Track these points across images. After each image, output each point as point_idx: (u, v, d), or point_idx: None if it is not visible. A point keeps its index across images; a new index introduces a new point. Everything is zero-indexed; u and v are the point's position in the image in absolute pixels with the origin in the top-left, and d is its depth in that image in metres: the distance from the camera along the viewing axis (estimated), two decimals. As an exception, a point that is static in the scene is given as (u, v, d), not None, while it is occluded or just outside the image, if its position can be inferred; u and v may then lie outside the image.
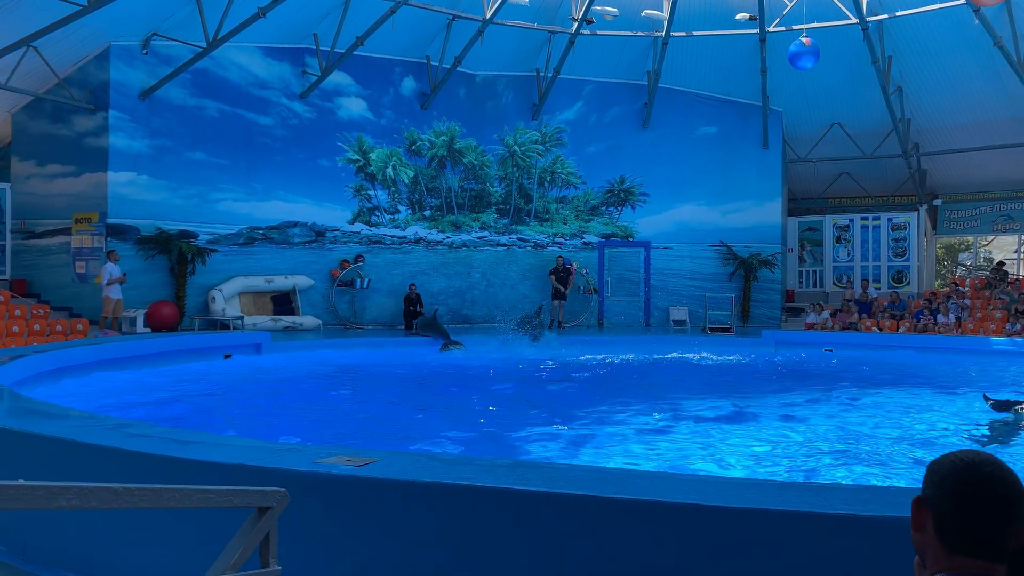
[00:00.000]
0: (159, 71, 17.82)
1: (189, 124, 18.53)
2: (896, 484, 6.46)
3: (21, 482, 1.59)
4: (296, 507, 3.00)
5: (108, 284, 15.92)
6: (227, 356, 14.22)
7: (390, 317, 20.62)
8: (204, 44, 17.10)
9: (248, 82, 19.30)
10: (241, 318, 17.83)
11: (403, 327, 19.70)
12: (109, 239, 17.33)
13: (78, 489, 1.70)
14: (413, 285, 20.00)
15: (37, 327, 15.26)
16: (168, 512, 3.24)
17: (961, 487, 1.47)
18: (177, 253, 17.86)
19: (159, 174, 18.10)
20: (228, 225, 19.11)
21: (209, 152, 18.79)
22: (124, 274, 16.22)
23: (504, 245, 22.57)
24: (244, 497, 2.32)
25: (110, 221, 17.43)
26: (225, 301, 18.23)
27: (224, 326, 17.44)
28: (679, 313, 21.61)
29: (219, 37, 16.91)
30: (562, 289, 20.62)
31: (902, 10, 19.14)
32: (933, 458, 1.59)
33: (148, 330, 16.86)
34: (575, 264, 21.70)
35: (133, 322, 16.75)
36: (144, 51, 17.65)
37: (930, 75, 20.73)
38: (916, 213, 23.48)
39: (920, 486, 1.57)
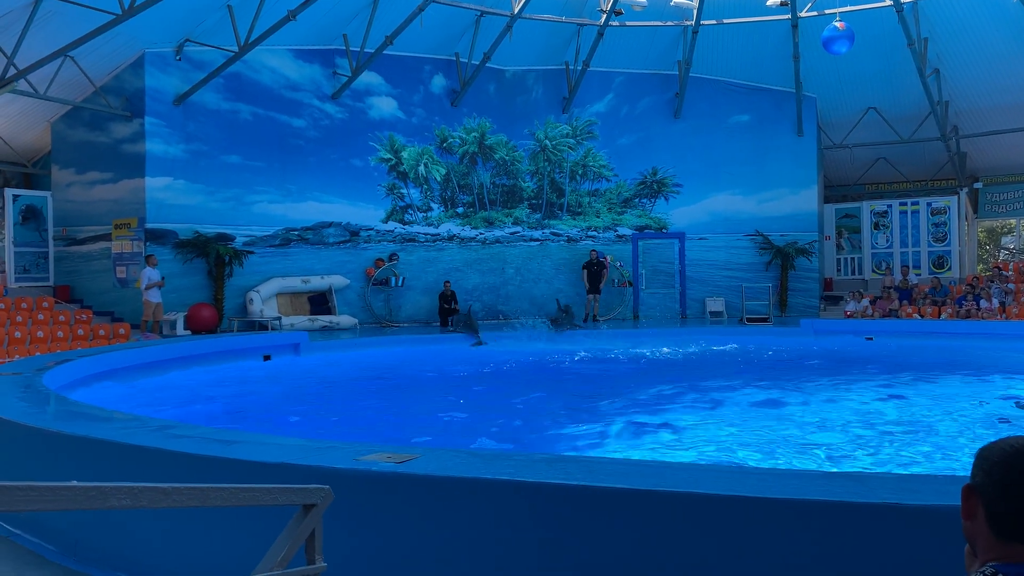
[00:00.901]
0: (193, 76, 18.06)
1: (223, 128, 18.76)
2: (941, 472, 6.36)
3: (74, 483, 1.62)
4: (338, 504, 3.03)
5: (147, 288, 16.19)
6: (266, 357, 14.38)
7: (425, 314, 20.72)
8: (236, 48, 17.29)
9: (280, 85, 19.49)
10: (279, 318, 18.03)
11: (438, 324, 19.81)
12: (148, 244, 17.61)
13: (128, 489, 1.73)
14: (448, 283, 20.09)
15: (81, 332, 15.57)
16: (214, 511, 3.29)
17: (1011, 474, 1.44)
18: (215, 256, 18.11)
19: (195, 178, 18.36)
20: (264, 227, 19.33)
21: (244, 155, 19.01)
22: (163, 278, 16.48)
23: (537, 240, 22.55)
24: (289, 495, 2.35)
25: (149, 226, 17.71)
26: (263, 302, 18.45)
27: (263, 327, 17.65)
28: (715, 304, 21.43)
29: (250, 41, 17.08)
30: (594, 284, 20.59)
31: (937, -10, 18.79)
32: (980, 445, 1.56)
33: (188, 332, 17.11)
34: (609, 257, 21.62)
35: (173, 325, 17.01)
36: (177, 57, 17.90)
37: (968, 56, 20.30)
38: (956, 197, 23.06)
39: (965, 474, 1.54)
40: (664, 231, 22.48)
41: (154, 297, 16.28)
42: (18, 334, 14.58)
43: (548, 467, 3.91)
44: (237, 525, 4.02)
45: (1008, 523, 1.43)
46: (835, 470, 6.39)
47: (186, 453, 4.49)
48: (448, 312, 19.45)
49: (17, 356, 13.26)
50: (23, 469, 5.71)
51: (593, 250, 21.22)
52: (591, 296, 20.64)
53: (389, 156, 21.00)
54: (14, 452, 5.84)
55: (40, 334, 14.91)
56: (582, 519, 3.51)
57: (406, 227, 21.28)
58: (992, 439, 1.55)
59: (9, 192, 18.73)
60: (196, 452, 4.47)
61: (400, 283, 20.44)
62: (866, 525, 3.08)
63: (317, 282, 19.66)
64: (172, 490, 1.84)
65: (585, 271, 20.85)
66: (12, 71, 15.16)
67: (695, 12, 19.98)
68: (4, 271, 18.31)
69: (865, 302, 19.97)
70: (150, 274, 16.31)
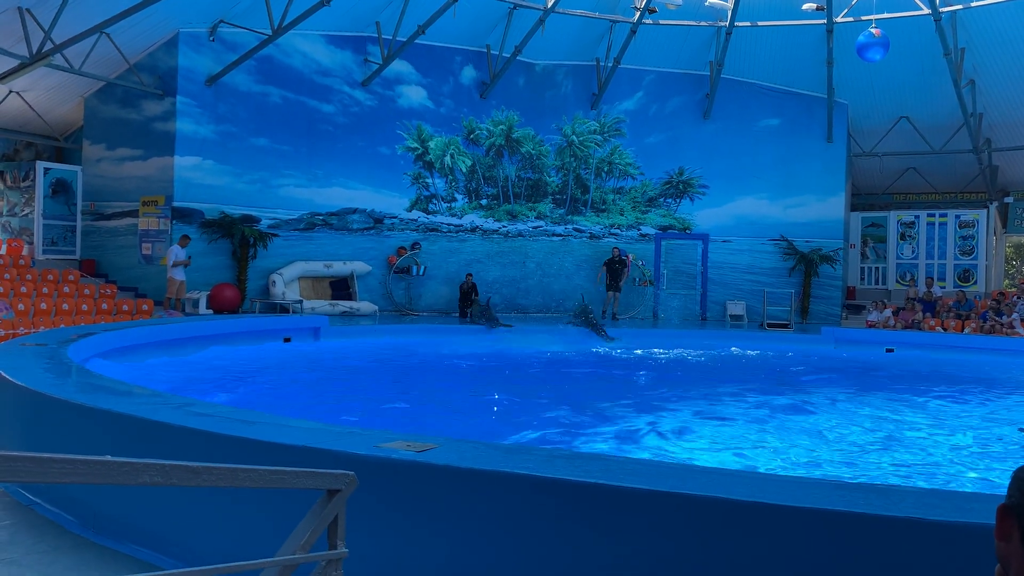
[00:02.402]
0: (225, 58, 18.17)
1: (253, 110, 18.87)
2: (960, 489, 6.30)
3: (108, 458, 1.64)
4: (357, 489, 3.04)
5: (173, 266, 16.34)
6: (287, 340, 14.47)
7: (445, 304, 20.76)
8: (269, 31, 17.36)
9: (311, 69, 19.56)
10: (300, 302, 18.13)
11: (457, 315, 19.82)
12: (174, 222, 17.75)
13: (160, 467, 1.75)
14: (470, 275, 20.11)
15: (105, 306, 15.73)
16: (236, 490, 3.31)
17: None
18: (240, 237, 18.23)
19: (224, 159, 18.48)
20: (289, 210, 19.43)
21: (272, 138, 19.11)
22: (189, 257, 16.63)
23: (560, 235, 22.52)
24: (315, 479, 2.37)
25: (176, 204, 17.85)
26: (285, 285, 18.55)
27: (284, 309, 17.76)
28: (736, 308, 21.33)
29: (284, 24, 17.15)
30: (615, 281, 20.52)
31: (977, 0, 18.54)
32: (995, 461, 1.54)
33: (210, 312, 17.24)
34: (631, 256, 21.55)
35: (196, 303, 17.15)
36: (211, 38, 18.00)
37: (1005, 68, 20.01)
38: (985, 210, 22.80)
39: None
40: (688, 232, 22.38)
41: (178, 275, 16.44)
42: (44, 305, 14.75)
43: (567, 464, 3.90)
44: (258, 505, 4.06)
45: (1044, 546, 1.41)
46: (849, 480, 6.35)
47: (208, 432, 4.52)
48: (468, 304, 19.47)
49: (42, 327, 13.42)
50: (44, 439, 5.78)
51: (615, 247, 21.16)
52: (610, 293, 20.58)
53: (416, 145, 21.03)
54: (36, 421, 5.91)
55: (65, 306, 15.07)
56: (599, 518, 3.50)
57: (430, 217, 21.32)
58: (1004, 457, 1.53)
59: (40, 165, 18.93)
60: (218, 431, 4.50)
61: (421, 272, 20.49)
62: (887, 538, 3.06)
63: (339, 267, 19.75)
64: (203, 469, 1.85)
65: (605, 268, 20.79)
66: (49, 45, 15.30)
67: (729, 13, 19.86)
68: (32, 243, 18.52)
69: (888, 312, 19.79)
70: (177, 252, 16.46)
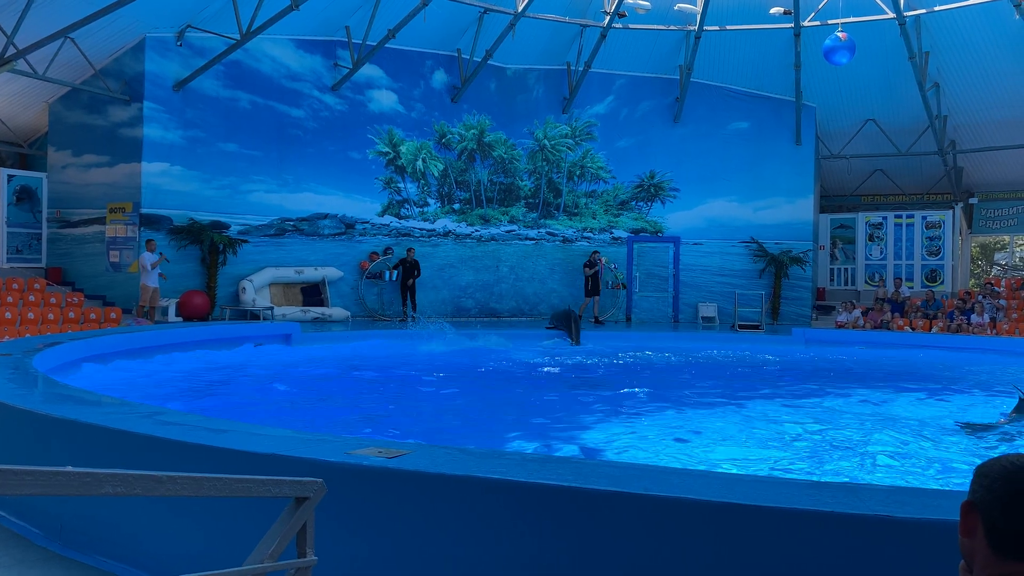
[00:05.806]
0: (193, 63, 17.99)
1: (222, 116, 18.70)
2: (929, 486, 6.36)
3: (69, 469, 1.61)
4: (327, 497, 3.01)
5: (151, 267, 16.18)
6: (258, 345, 14.34)
7: (416, 309, 20.66)
8: (237, 36, 17.23)
9: (280, 74, 19.43)
10: (271, 308, 17.98)
11: (433, 319, 19.63)
12: (142, 229, 17.55)
13: (122, 477, 1.72)
14: (411, 250, 19.88)
15: (72, 315, 15.51)
16: (203, 499, 3.27)
17: (1012, 491, 1.44)
18: (209, 243, 18.05)
19: (192, 165, 18.29)
20: (259, 216, 19.27)
21: (241, 144, 18.95)
22: (161, 254, 16.49)
23: (532, 239, 22.54)
24: (283, 487, 2.34)
25: (143, 211, 17.64)
26: (255, 292, 18.40)
27: (254, 316, 17.60)
28: (708, 310, 21.47)
29: (252, 29, 17.02)
30: (596, 285, 20.45)
31: (940, 5, 18.84)
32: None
33: (180, 319, 17.05)
34: (604, 259, 21.64)
35: (165, 311, 16.96)
36: (178, 43, 17.83)
37: (968, 71, 20.37)
38: (951, 211, 23.14)
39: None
40: (659, 235, 22.50)
41: (152, 282, 16.26)
42: (8, 315, 14.50)
43: (540, 467, 3.90)
44: (226, 514, 4.01)
45: (1008, 541, 1.43)
46: (821, 480, 6.40)
47: (176, 440, 4.46)
48: (410, 289, 19.33)
49: (7, 337, 13.20)
50: (10, 451, 5.68)
51: (596, 251, 21.15)
52: (595, 298, 20.48)
53: (387, 150, 20.96)
54: (1, 433, 5.80)
55: (31, 316, 14.83)
56: (572, 521, 3.50)
57: (402, 221, 21.25)
58: (971, 453, 1.54)
59: (4, 172, 18.64)
60: (186, 440, 4.44)
61: (394, 277, 20.39)
62: (856, 536, 3.08)
63: (311, 273, 19.62)
64: (166, 479, 1.82)
65: (589, 271, 20.59)
66: (11, 51, 15.07)
67: (698, 17, 20.01)
68: (-4, 251, 18.22)
69: (857, 313, 20.02)
70: (149, 258, 16.29)
